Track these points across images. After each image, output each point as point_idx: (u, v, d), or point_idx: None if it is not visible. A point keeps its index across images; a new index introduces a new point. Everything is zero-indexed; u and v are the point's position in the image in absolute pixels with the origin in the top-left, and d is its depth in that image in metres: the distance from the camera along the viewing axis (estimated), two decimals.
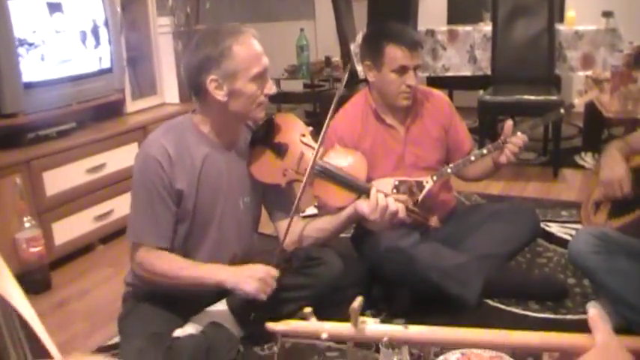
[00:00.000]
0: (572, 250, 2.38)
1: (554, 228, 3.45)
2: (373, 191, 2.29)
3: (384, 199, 2.27)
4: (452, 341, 1.16)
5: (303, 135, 2.42)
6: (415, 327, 1.13)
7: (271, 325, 1.19)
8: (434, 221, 2.44)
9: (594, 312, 1.13)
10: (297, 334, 1.18)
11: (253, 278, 2.20)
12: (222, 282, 2.23)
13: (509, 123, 2.59)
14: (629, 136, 2.52)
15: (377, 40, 2.69)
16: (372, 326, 1.13)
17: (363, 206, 2.29)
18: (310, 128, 2.46)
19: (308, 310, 1.17)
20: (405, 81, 2.66)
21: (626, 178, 2.36)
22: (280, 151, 2.38)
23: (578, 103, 2.80)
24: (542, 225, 3.07)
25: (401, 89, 2.67)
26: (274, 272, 2.24)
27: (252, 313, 2.31)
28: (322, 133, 2.32)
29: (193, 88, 2.26)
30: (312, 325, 1.15)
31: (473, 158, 2.63)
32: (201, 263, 2.29)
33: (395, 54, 2.63)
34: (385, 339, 1.12)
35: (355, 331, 1.11)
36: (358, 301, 1.12)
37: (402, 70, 2.65)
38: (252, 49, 2.20)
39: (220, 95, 2.19)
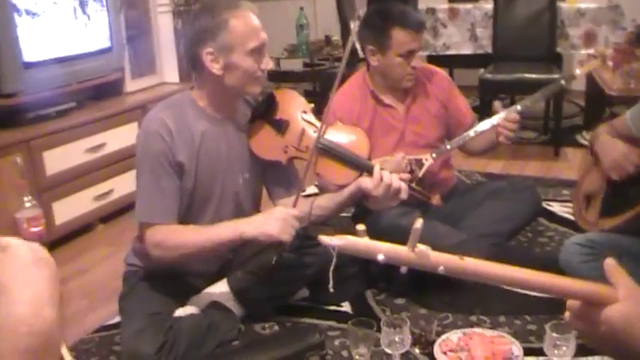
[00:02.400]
0: (562, 263, 2.39)
1: (555, 207, 3.45)
2: (377, 168, 2.26)
3: (389, 175, 2.25)
4: (494, 276, 1.11)
5: (305, 112, 2.40)
6: (470, 259, 1.08)
7: (326, 239, 1.09)
8: (436, 199, 2.43)
9: (611, 263, 1.08)
10: (353, 250, 1.08)
11: (274, 219, 2.15)
12: (243, 233, 2.16)
13: (496, 104, 2.57)
14: (614, 120, 2.50)
15: (381, 23, 2.65)
16: (430, 252, 1.06)
17: (367, 182, 2.26)
18: (312, 105, 2.44)
19: (361, 227, 1.10)
20: (410, 63, 2.65)
21: (630, 152, 2.32)
22: (281, 127, 2.36)
23: (580, 73, 2.78)
24: (543, 204, 3.05)
25: (406, 71, 2.66)
26: (293, 211, 2.19)
27: (253, 291, 2.31)
28: (325, 110, 2.30)
29: (190, 61, 2.25)
30: (368, 243, 1.08)
31: (472, 134, 2.61)
32: (214, 225, 2.23)
33: (403, 38, 2.61)
34: (441, 268, 1.06)
35: (414, 255, 1.05)
36: (420, 222, 1.05)
37: (409, 54, 2.63)
38: (249, 23, 2.18)
39: (216, 68, 2.17)
